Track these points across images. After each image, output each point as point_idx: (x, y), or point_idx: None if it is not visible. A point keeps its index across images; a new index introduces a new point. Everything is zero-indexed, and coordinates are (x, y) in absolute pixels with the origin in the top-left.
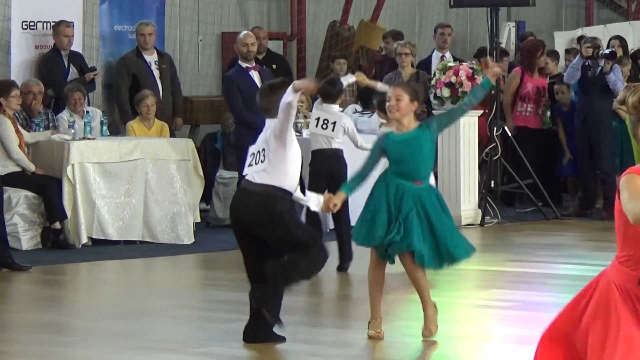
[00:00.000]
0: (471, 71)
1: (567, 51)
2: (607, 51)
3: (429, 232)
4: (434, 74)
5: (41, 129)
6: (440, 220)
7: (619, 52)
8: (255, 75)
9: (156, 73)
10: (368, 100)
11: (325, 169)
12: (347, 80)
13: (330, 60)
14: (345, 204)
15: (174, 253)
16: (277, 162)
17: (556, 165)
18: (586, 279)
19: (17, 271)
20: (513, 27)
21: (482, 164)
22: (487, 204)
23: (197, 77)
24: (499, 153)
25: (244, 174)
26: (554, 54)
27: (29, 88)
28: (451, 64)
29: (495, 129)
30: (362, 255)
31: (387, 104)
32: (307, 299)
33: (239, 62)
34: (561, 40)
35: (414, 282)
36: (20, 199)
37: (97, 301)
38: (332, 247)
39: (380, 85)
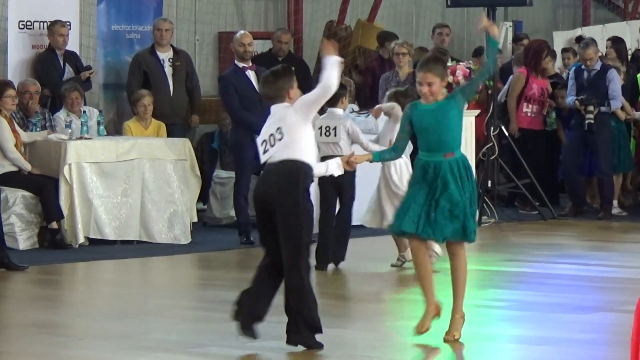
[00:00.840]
0: (468, 71)
1: (564, 50)
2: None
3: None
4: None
5: (38, 129)
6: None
7: (612, 54)
8: (251, 75)
9: (168, 70)
10: (365, 100)
11: (332, 177)
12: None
13: None
14: (348, 206)
15: (171, 253)
16: (298, 136)
17: (558, 167)
18: (583, 279)
19: (14, 271)
20: (510, 27)
21: (479, 164)
22: (484, 204)
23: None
24: (496, 153)
25: (262, 162)
26: (552, 54)
27: (26, 88)
28: (448, 64)
29: (492, 128)
30: (356, 255)
31: (419, 88)
32: None
33: (235, 62)
34: (559, 40)
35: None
36: (17, 199)
37: (95, 301)
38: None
39: (386, 106)
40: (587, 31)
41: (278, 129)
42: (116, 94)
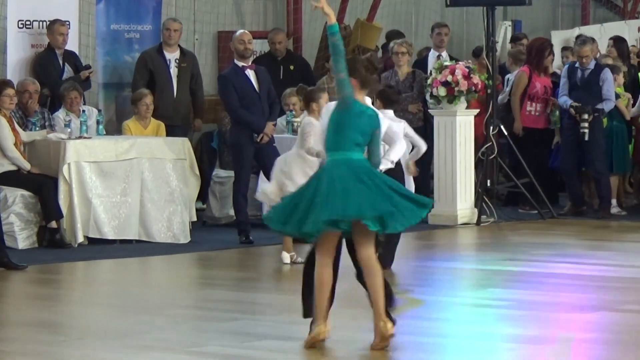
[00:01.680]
0: (467, 70)
1: (563, 49)
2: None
3: None
4: (430, 73)
5: (37, 128)
6: None
7: (613, 54)
8: (251, 74)
9: (174, 71)
10: None
11: None
12: None
13: (326, 59)
14: None
15: (170, 252)
16: None
17: (549, 158)
18: (582, 278)
19: (14, 270)
20: (509, 26)
21: (479, 163)
22: (483, 203)
23: None
24: (495, 152)
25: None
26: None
27: (25, 87)
28: (447, 63)
29: (491, 128)
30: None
31: None
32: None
33: (235, 61)
34: (558, 40)
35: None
36: (16, 198)
37: (94, 300)
38: None
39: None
40: (585, 30)
41: None
42: (115, 94)
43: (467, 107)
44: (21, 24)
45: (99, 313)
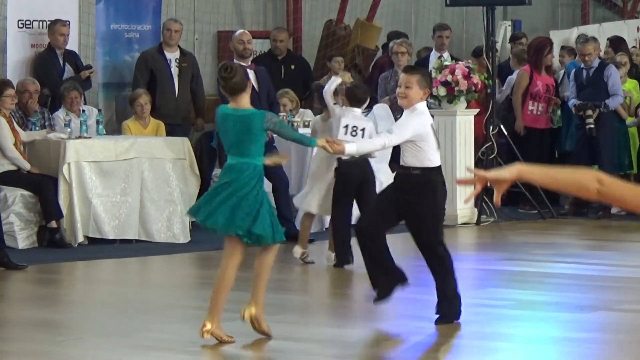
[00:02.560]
0: (467, 70)
1: (562, 48)
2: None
3: None
4: (431, 73)
5: (37, 128)
6: None
7: (610, 54)
8: (250, 74)
9: (175, 71)
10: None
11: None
12: (334, 82)
13: (327, 59)
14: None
15: (170, 252)
16: None
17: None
18: (582, 278)
19: (14, 270)
20: (509, 26)
21: (478, 163)
22: (483, 203)
23: None
24: (495, 152)
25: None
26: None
27: (25, 87)
28: (447, 63)
29: (491, 127)
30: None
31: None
32: (301, 297)
33: (235, 60)
34: (557, 40)
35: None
36: (16, 198)
37: (94, 300)
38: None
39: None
40: (584, 30)
41: None
42: (115, 93)
43: (466, 107)
44: (21, 23)
45: (99, 313)
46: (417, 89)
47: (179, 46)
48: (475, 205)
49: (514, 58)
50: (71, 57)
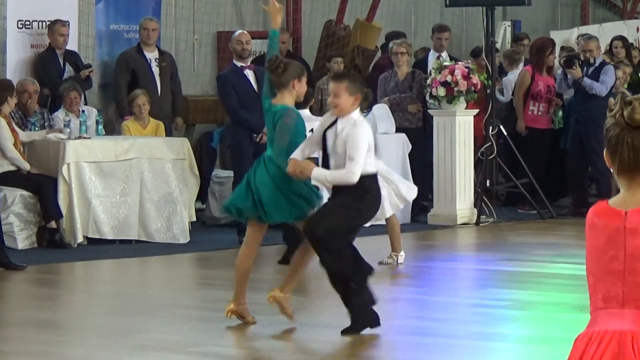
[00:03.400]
0: (467, 70)
1: (562, 48)
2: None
3: None
4: (430, 73)
5: (37, 128)
6: None
7: (622, 54)
8: (250, 75)
9: (155, 70)
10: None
11: None
12: None
13: (326, 59)
14: None
15: (169, 252)
16: None
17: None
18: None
19: (13, 270)
20: (509, 26)
21: (478, 163)
22: (482, 203)
23: (193, 76)
24: (495, 152)
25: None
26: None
27: (25, 87)
28: (447, 63)
29: (490, 128)
30: None
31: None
32: (300, 297)
33: (234, 61)
34: (557, 40)
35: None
36: (15, 198)
37: (93, 300)
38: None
39: None
40: (584, 30)
41: None
42: (114, 94)
43: (466, 107)
44: (21, 24)
45: (98, 313)
46: (346, 97)
47: (156, 46)
48: (475, 205)
49: (506, 59)
50: (72, 57)
